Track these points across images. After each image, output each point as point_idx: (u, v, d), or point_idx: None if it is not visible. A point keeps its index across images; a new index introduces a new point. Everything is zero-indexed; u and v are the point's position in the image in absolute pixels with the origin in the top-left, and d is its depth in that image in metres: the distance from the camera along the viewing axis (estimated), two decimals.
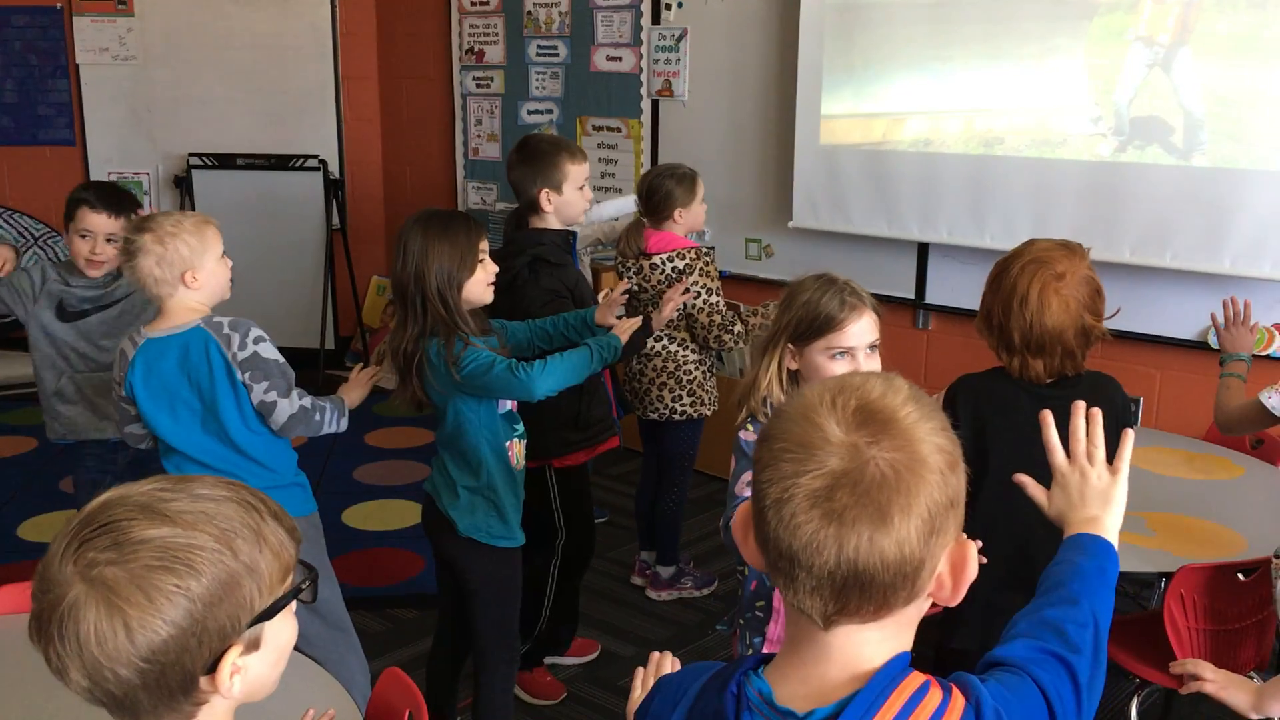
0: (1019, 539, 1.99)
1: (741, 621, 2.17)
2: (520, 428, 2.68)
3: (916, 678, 1.01)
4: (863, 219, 4.52)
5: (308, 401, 2.65)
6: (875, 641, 1.01)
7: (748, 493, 2.00)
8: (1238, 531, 2.63)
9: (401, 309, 2.57)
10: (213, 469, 2.58)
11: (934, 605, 1.06)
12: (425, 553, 4.08)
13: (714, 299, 3.60)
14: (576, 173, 3.10)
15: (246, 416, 2.60)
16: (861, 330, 2.03)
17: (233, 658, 1.05)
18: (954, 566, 1.02)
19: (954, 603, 1.03)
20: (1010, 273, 2.17)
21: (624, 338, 2.70)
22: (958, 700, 1.02)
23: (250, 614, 1.05)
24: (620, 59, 5.41)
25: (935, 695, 1.01)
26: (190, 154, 6.30)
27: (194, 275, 2.53)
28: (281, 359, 2.63)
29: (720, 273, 3.88)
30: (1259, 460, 3.14)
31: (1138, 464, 3.02)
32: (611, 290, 2.94)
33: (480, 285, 2.58)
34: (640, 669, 1.53)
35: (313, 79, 6.46)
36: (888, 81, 4.35)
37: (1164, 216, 3.79)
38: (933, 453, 0.98)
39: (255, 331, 2.59)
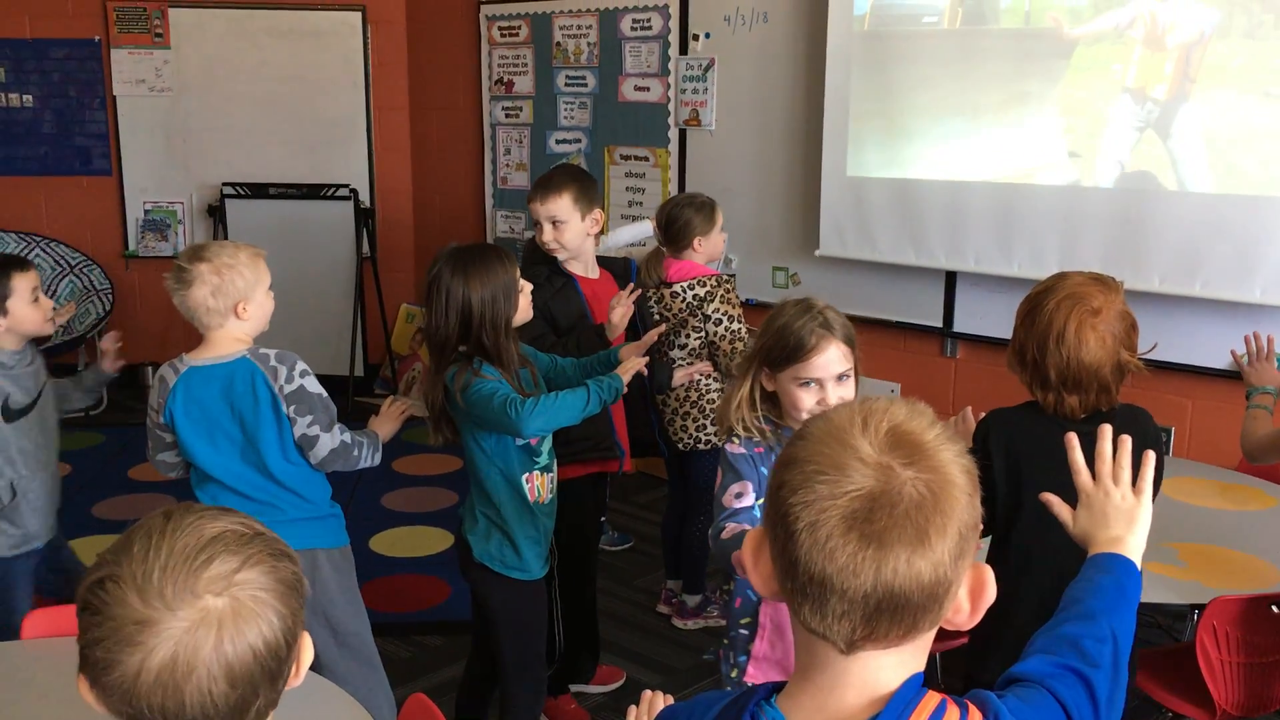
0: (1055, 572, 1.97)
1: (726, 640, 2.18)
2: (542, 459, 2.66)
3: (933, 697, 1.01)
4: (890, 247, 4.51)
5: (348, 437, 2.67)
6: (891, 667, 1.00)
7: (737, 504, 1.99)
8: (1271, 563, 2.59)
9: (440, 358, 2.55)
10: (249, 498, 2.60)
11: (963, 635, 1.06)
12: (452, 579, 4.09)
13: (735, 326, 3.60)
14: (531, 210, 3.22)
15: (286, 448, 2.62)
16: (828, 362, 2.03)
17: (304, 647, 1.13)
18: (973, 589, 1.02)
19: (971, 625, 1.02)
20: (1045, 308, 2.12)
21: (627, 378, 2.64)
22: (974, 716, 1.01)
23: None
24: (648, 89, 5.45)
25: (953, 713, 1.00)
26: (224, 183, 6.39)
27: (245, 306, 2.56)
28: (324, 393, 2.65)
29: (746, 301, 3.89)
30: None
31: (1169, 494, 3.02)
32: (618, 301, 2.99)
33: (525, 311, 2.62)
34: (633, 707, 1.52)
35: (344, 109, 6.55)
36: (915, 112, 4.36)
37: (1193, 245, 3.77)
38: (960, 474, 0.98)
39: (301, 365, 2.61)
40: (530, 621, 2.71)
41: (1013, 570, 2.07)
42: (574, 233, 3.16)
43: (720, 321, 3.58)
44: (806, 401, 2.04)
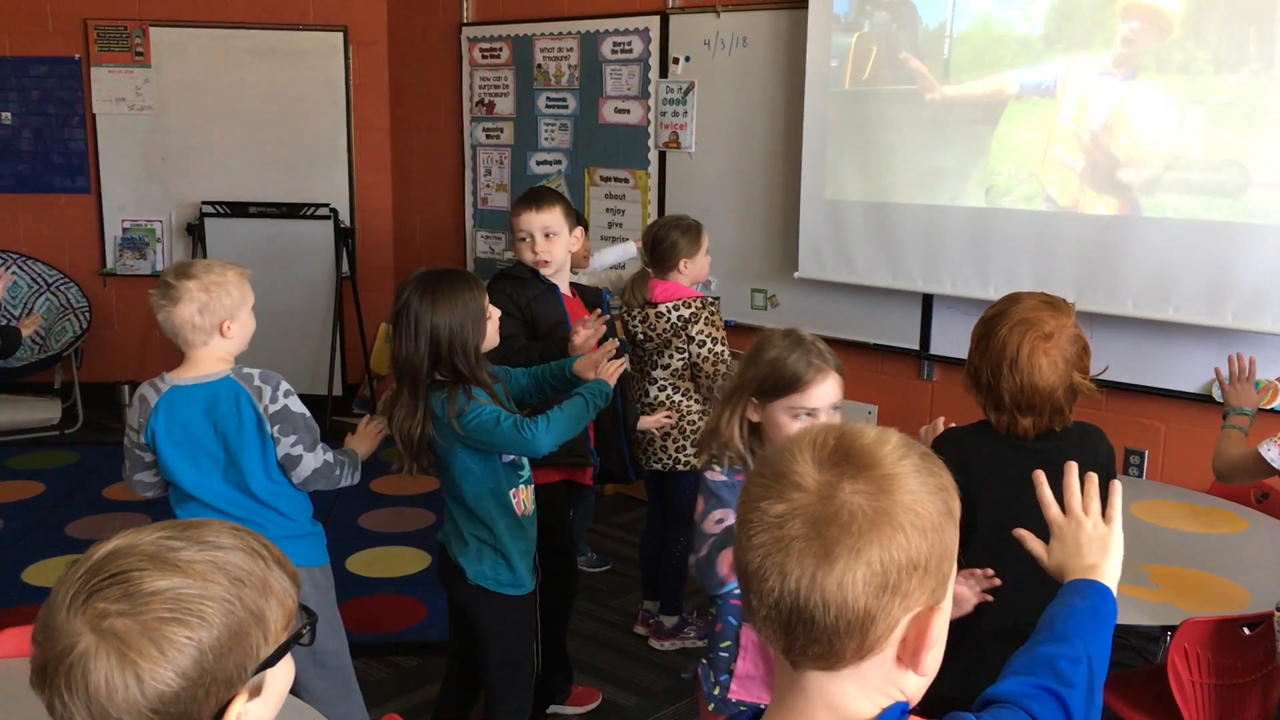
0: (1008, 593, 1.99)
1: (705, 660, 2.19)
2: (525, 473, 2.68)
3: None
4: (867, 270, 4.55)
5: (331, 456, 2.67)
6: (855, 695, 0.98)
7: (715, 530, 2.00)
8: (1242, 585, 2.62)
9: (410, 381, 2.54)
10: (232, 517, 2.55)
11: None
12: (429, 600, 4.08)
13: (719, 349, 3.62)
14: (515, 224, 3.22)
15: (269, 467, 2.62)
16: (825, 392, 2.05)
17: (238, 707, 1.05)
18: (917, 633, 0.97)
19: (919, 671, 0.98)
20: (998, 333, 2.16)
21: (612, 381, 2.69)
22: None
23: (255, 662, 1.06)
24: (628, 111, 5.48)
25: None
26: (203, 202, 6.37)
27: (230, 325, 2.55)
28: (308, 413, 2.66)
29: (726, 323, 3.91)
30: (1264, 514, 3.14)
31: (1142, 516, 3.05)
32: (583, 324, 2.99)
33: (492, 336, 2.62)
34: None
35: (325, 129, 6.56)
36: (892, 135, 4.40)
37: (1166, 270, 3.81)
38: (901, 509, 0.94)
39: (285, 385, 2.61)
40: (520, 639, 2.71)
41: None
42: (563, 246, 3.21)
43: (704, 343, 3.60)
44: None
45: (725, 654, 2.12)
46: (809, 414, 2.04)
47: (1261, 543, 2.94)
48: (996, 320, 2.18)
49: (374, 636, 3.83)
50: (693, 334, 3.59)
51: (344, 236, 6.36)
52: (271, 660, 1.08)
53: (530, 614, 2.72)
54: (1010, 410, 2.15)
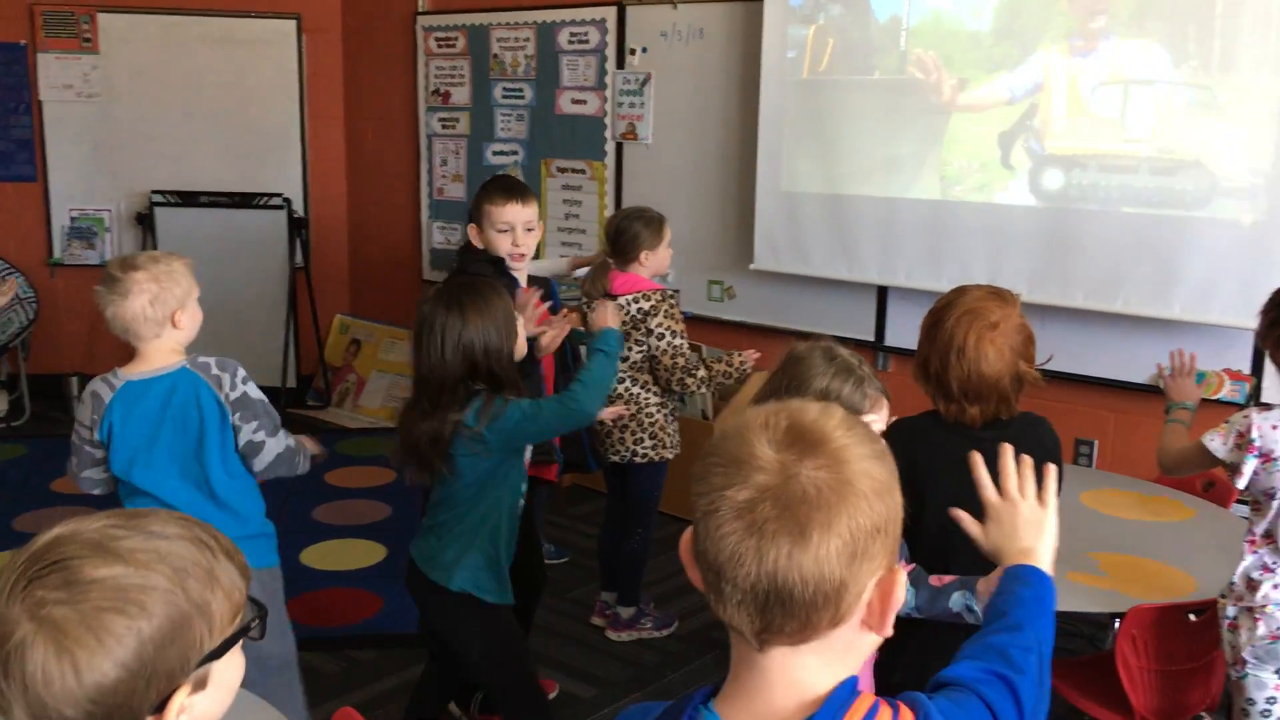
0: (958, 576, 2.02)
1: None
2: (525, 485, 2.69)
3: (866, 698, 1.03)
4: (823, 262, 4.58)
5: (292, 440, 2.64)
6: (816, 668, 1.02)
7: None
8: (1188, 573, 2.67)
9: (434, 394, 2.49)
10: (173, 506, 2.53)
11: None
12: (384, 593, 4.06)
13: (678, 341, 3.62)
14: (495, 215, 3.17)
15: (228, 460, 2.58)
16: (879, 421, 2.03)
17: (180, 699, 1.03)
18: (882, 594, 1.02)
19: (883, 633, 1.04)
20: (945, 324, 2.20)
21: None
22: (906, 716, 1.05)
23: (199, 654, 1.04)
24: (585, 102, 5.47)
25: (885, 714, 1.03)
26: (153, 191, 6.28)
27: (181, 316, 2.50)
28: (266, 399, 2.62)
29: (683, 314, 3.92)
30: (1209, 502, 3.20)
31: (1091, 505, 3.09)
32: (550, 325, 3.02)
33: (521, 341, 2.62)
34: None
35: (278, 118, 6.48)
36: (848, 129, 4.43)
37: (1116, 263, 3.87)
38: (859, 477, 0.99)
39: (242, 372, 2.57)
40: (513, 645, 2.68)
41: None
42: (535, 240, 3.25)
43: (663, 336, 3.60)
44: None
45: None
46: None
47: (1207, 531, 3.00)
48: (944, 311, 2.22)
49: (328, 630, 3.80)
50: (652, 326, 3.59)
51: (297, 227, 6.30)
52: (216, 653, 1.06)
53: (513, 620, 2.70)
54: (958, 399, 2.18)
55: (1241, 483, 2.41)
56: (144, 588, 1.01)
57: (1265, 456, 2.37)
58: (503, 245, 3.17)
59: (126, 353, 2.58)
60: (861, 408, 1.98)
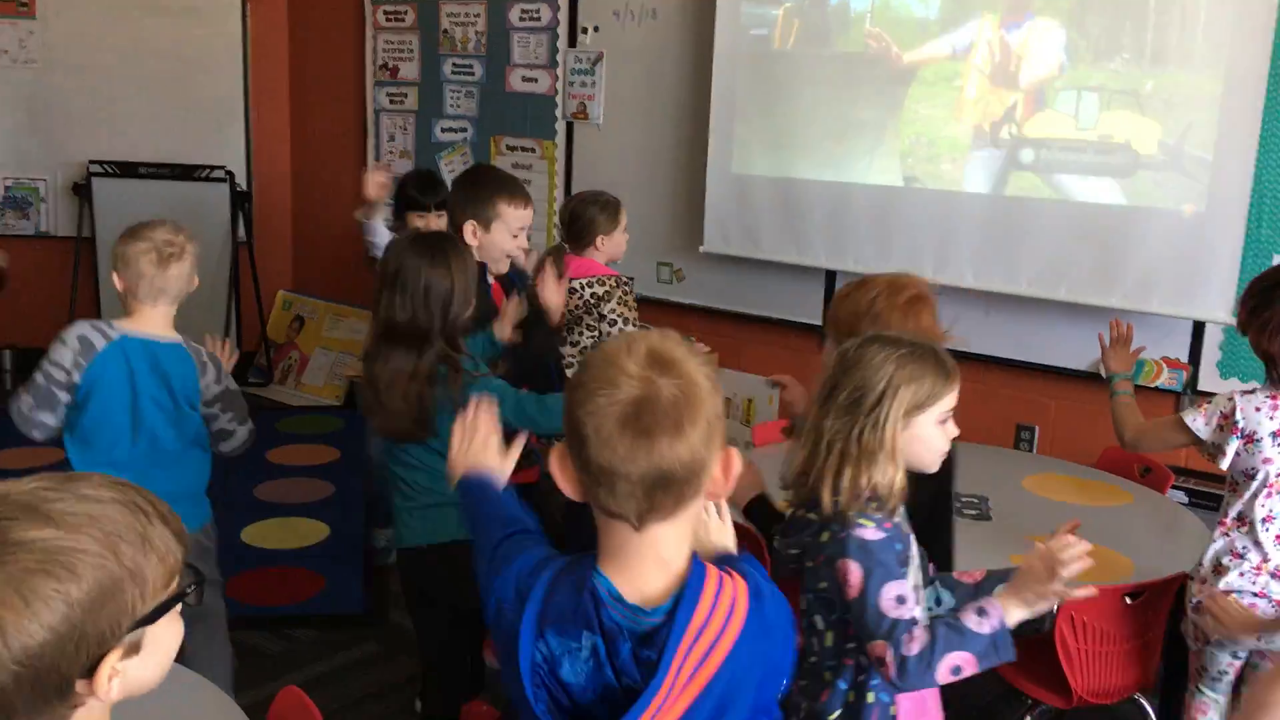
0: None
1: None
2: None
3: (711, 570, 1.29)
4: (772, 245, 4.59)
5: (251, 424, 2.77)
6: (674, 540, 1.29)
7: (899, 613, 1.68)
8: (1126, 556, 2.72)
9: (410, 337, 2.48)
10: (134, 468, 2.55)
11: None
12: (326, 572, 4.02)
13: (630, 329, 3.61)
14: (511, 216, 3.07)
15: (184, 436, 2.66)
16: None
17: (111, 662, 1.02)
18: (724, 466, 1.30)
19: (726, 495, 1.35)
20: (867, 300, 2.28)
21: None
22: (738, 582, 1.30)
23: (131, 619, 1.03)
24: (536, 80, 5.42)
25: (727, 583, 1.28)
26: (91, 161, 6.13)
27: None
28: (239, 389, 2.77)
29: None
30: (1146, 488, 3.26)
31: (1032, 490, 3.14)
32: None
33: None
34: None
35: (221, 90, 6.35)
36: (799, 114, 4.44)
37: (1060, 252, 3.92)
38: (703, 379, 1.26)
39: (223, 365, 2.71)
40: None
41: None
42: None
43: (615, 322, 3.57)
44: (947, 438, 1.86)
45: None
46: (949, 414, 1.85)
47: (1144, 515, 3.06)
48: (860, 290, 2.34)
49: (271, 609, 3.76)
50: (604, 312, 3.56)
51: (240, 200, 6.19)
52: (150, 618, 1.05)
53: None
54: None
55: (1224, 463, 2.47)
56: (74, 550, 1.00)
57: (1248, 438, 2.43)
58: (511, 245, 3.12)
59: (57, 324, 2.63)
60: (951, 370, 1.83)
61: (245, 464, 4.88)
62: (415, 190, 4.03)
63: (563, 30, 5.28)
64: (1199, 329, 3.79)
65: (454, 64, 5.74)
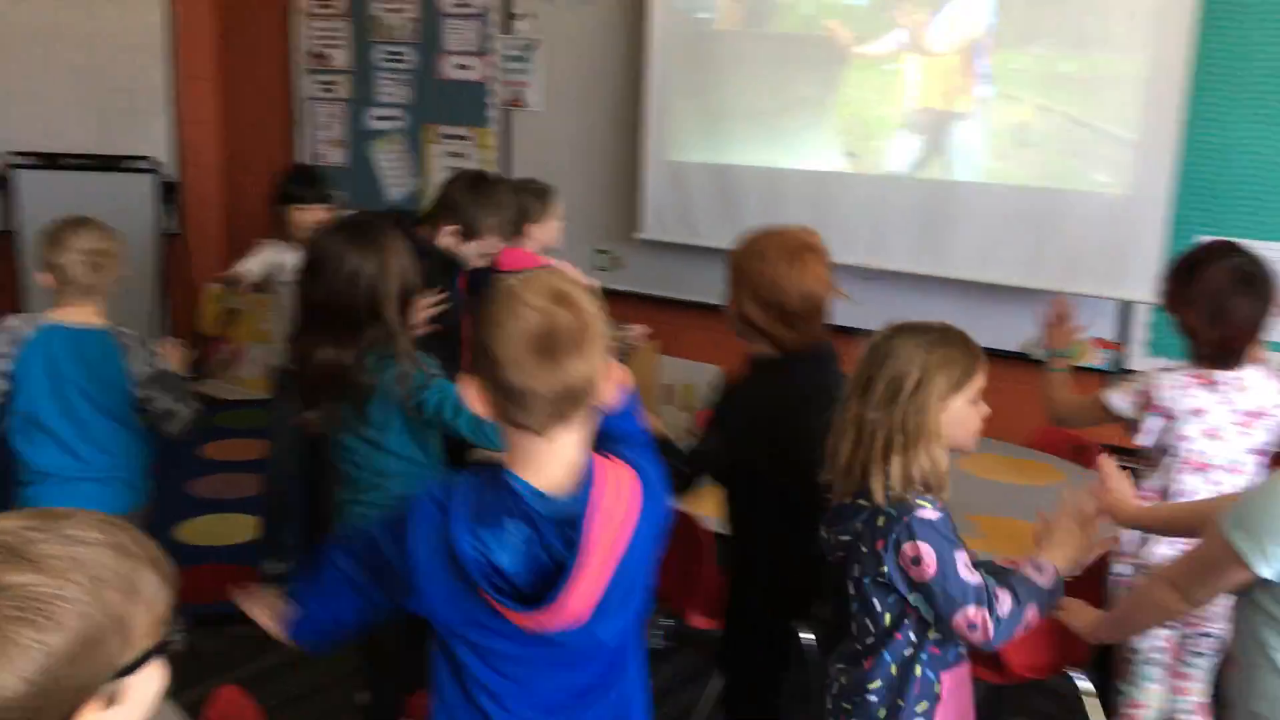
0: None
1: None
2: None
3: (601, 462, 1.51)
4: (709, 231, 4.60)
5: (198, 404, 2.86)
6: (574, 444, 1.49)
7: (975, 576, 1.80)
8: None
9: (332, 323, 2.36)
10: (69, 450, 2.75)
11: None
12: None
13: None
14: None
15: (114, 419, 2.77)
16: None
17: (89, 714, 0.98)
18: (606, 375, 1.50)
19: (613, 402, 1.53)
20: (758, 248, 2.42)
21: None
22: (622, 469, 1.52)
23: (112, 669, 0.99)
24: (470, 67, 5.38)
25: (611, 466, 1.50)
26: (9, 152, 5.96)
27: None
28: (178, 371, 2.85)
29: None
30: (1077, 466, 3.33)
31: (969, 470, 3.18)
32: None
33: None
34: None
35: (146, 78, 6.20)
36: (735, 100, 4.45)
37: (992, 235, 3.98)
38: (593, 309, 1.48)
39: (155, 348, 2.82)
40: None
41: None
42: None
43: None
44: (980, 417, 1.97)
45: (922, 717, 1.91)
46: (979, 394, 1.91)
47: (1075, 492, 3.11)
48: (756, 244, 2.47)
49: (206, 607, 3.69)
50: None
51: (167, 192, 6.06)
52: (131, 668, 1.01)
53: None
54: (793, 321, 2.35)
55: (1141, 439, 2.52)
56: (56, 597, 0.95)
57: (1167, 415, 2.48)
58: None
59: None
60: (979, 358, 1.97)
61: (179, 459, 4.81)
62: (295, 185, 3.92)
63: (496, 17, 5.23)
64: (1127, 309, 3.87)
65: (386, 51, 5.67)
